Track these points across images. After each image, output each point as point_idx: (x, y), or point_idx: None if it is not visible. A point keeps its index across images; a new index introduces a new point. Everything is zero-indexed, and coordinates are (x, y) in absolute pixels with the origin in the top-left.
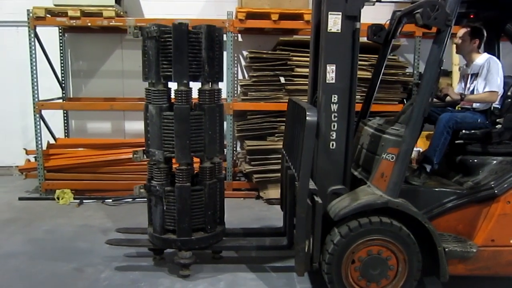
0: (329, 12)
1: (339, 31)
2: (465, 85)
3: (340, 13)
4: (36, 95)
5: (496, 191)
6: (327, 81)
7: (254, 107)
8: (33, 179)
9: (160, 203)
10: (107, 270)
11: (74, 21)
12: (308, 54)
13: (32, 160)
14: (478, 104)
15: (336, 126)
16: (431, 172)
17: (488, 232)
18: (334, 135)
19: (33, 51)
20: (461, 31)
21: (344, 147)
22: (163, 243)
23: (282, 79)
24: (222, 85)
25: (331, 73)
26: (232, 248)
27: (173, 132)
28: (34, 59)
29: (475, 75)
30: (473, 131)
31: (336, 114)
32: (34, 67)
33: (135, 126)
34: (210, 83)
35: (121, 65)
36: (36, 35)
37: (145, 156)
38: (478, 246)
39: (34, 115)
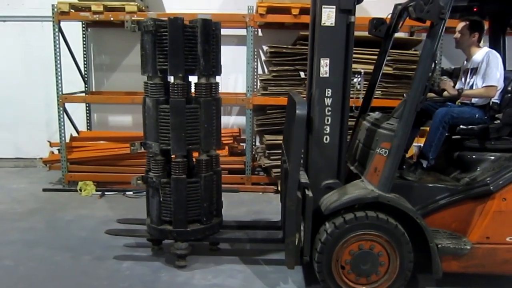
0: (323, 6)
1: (333, 24)
2: (465, 80)
3: (334, 6)
4: (60, 89)
5: (491, 188)
6: (320, 75)
7: (273, 102)
8: (56, 171)
9: (157, 195)
10: (128, 260)
11: (97, 15)
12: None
13: (56, 152)
14: (476, 99)
15: (329, 120)
16: (428, 167)
17: (483, 229)
18: (328, 129)
19: (57, 46)
20: (460, 25)
21: (337, 141)
22: (159, 233)
23: (302, 74)
24: (242, 80)
25: (324, 67)
26: (227, 240)
27: (169, 125)
28: (58, 53)
29: (475, 70)
30: (470, 126)
31: (329, 108)
32: (59, 61)
33: None
34: (206, 76)
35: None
36: (60, 30)
37: (142, 148)
38: (473, 243)
39: (58, 108)
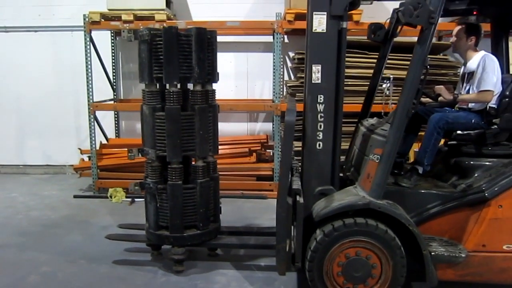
0: (314, 12)
1: (324, 31)
2: (462, 85)
3: (325, 13)
4: (91, 97)
5: (486, 195)
6: (312, 81)
7: (301, 108)
8: (85, 177)
9: (154, 200)
10: (163, 268)
11: (127, 24)
12: (357, 55)
13: (86, 159)
14: (473, 104)
15: (322, 127)
16: (424, 173)
17: (479, 236)
18: (321, 135)
19: (89, 54)
20: (456, 29)
21: (331, 148)
22: (157, 239)
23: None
24: (268, 87)
25: (316, 73)
26: (223, 246)
27: (165, 131)
28: (89, 62)
29: (471, 74)
30: (467, 131)
31: (322, 115)
32: (90, 70)
33: None
34: (201, 84)
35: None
36: (91, 39)
37: (140, 155)
38: (468, 251)
39: (89, 116)
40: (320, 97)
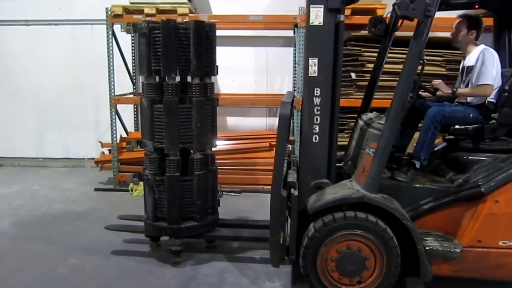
0: (311, 5)
1: (321, 24)
2: (461, 78)
3: (322, 6)
4: (112, 90)
5: (482, 189)
6: (309, 74)
7: None
8: (105, 171)
9: (152, 192)
10: (191, 260)
11: (150, 18)
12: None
13: (106, 152)
14: (471, 98)
15: (319, 120)
16: (421, 168)
17: (475, 232)
18: (317, 128)
19: (111, 48)
20: (458, 22)
21: (327, 141)
22: (155, 230)
23: (353, 75)
24: (288, 81)
25: (313, 66)
26: (219, 237)
27: (163, 124)
28: (111, 56)
29: (471, 68)
30: (465, 126)
31: (318, 108)
32: (111, 63)
33: None
34: (199, 77)
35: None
36: (113, 33)
37: (138, 146)
38: (463, 247)
39: (110, 110)
40: (317, 90)
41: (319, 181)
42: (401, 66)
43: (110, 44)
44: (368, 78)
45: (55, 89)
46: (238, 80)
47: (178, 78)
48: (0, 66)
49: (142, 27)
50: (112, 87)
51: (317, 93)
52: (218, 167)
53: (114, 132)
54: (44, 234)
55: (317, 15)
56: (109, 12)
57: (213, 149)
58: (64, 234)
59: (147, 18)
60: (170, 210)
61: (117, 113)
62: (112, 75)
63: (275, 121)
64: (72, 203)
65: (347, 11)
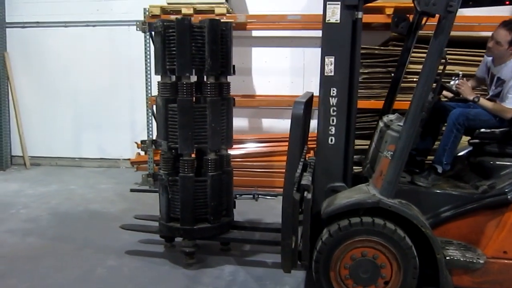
0: (328, 2)
1: (338, 21)
2: (490, 83)
3: (339, 2)
4: (149, 91)
5: (509, 197)
6: (325, 74)
7: (364, 105)
8: (140, 171)
9: (166, 192)
10: (229, 265)
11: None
12: (424, 50)
13: (142, 153)
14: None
15: (335, 121)
16: (443, 173)
17: (500, 242)
18: (333, 129)
19: (148, 48)
20: (500, 34)
21: (343, 143)
22: (168, 230)
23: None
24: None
25: (329, 65)
26: (233, 240)
27: (177, 123)
28: (148, 56)
29: (502, 81)
30: (490, 130)
31: (335, 108)
32: (149, 64)
33: (236, 123)
34: (214, 76)
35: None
36: (151, 33)
37: (153, 146)
38: (487, 258)
39: (147, 110)
40: (333, 90)
41: (335, 184)
42: None
43: (148, 45)
44: (411, 79)
45: (92, 89)
46: (274, 81)
47: (195, 78)
48: (40, 67)
49: (157, 26)
50: (149, 87)
51: (333, 93)
52: (251, 170)
53: (150, 132)
54: (81, 235)
55: (334, 12)
56: (147, 13)
57: (246, 151)
58: (101, 234)
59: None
60: (183, 211)
61: (153, 113)
62: (149, 76)
63: (311, 123)
64: (108, 204)
65: (389, 10)
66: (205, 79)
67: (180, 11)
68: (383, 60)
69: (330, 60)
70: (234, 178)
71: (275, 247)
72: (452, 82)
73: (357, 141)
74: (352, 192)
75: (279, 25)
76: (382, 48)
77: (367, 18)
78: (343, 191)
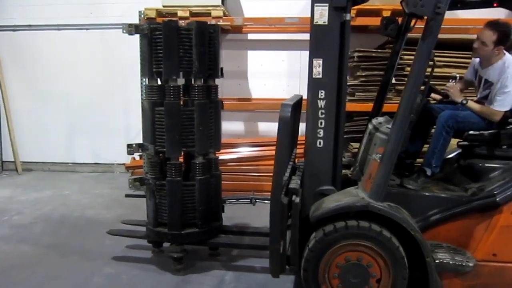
0: (315, 4)
1: (326, 23)
2: (478, 86)
3: (327, 4)
4: (143, 95)
5: (498, 199)
6: (313, 76)
7: (361, 108)
8: (136, 176)
9: (153, 197)
10: (229, 272)
11: (183, 21)
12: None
13: (137, 158)
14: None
15: (323, 124)
16: (432, 175)
17: (489, 245)
18: (322, 132)
19: None
20: (485, 34)
21: (332, 146)
22: (156, 235)
23: (393, 79)
24: None
25: (317, 67)
26: (221, 245)
27: (164, 127)
28: None
29: (489, 84)
30: (480, 132)
31: (323, 111)
32: None
33: (232, 127)
34: (202, 79)
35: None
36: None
37: (140, 150)
38: (477, 260)
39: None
40: (321, 92)
41: (324, 187)
42: None
43: None
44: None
45: (85, 93)
46: (271, 85)
47: (182, 81)
48: (32, 71)
49: (144, 29)
50: (143, 91)
51: (321, 95)
52: (247, 174)
53: None
54: (78, 242)
55: (322, 14)
56: (142, 16)
57: (242, 155)
58: (98, 241)
59: (181, 22)
60: (171, 216)
61: None
62: (143, 80)
63: (302, 127)
64: (104, 209)
65: (387, 13)
66: (192, 82)
67: (176, 14)
68: (380, 63)
69: (318, 62)
70: (231, 182)
71: (264, 251)
72: (448, 84)
73: (355, 145)
74: (341, 196)
75: (276, 28)
76: (379, 51)
77: (364, 21)
78: (331, 195)
